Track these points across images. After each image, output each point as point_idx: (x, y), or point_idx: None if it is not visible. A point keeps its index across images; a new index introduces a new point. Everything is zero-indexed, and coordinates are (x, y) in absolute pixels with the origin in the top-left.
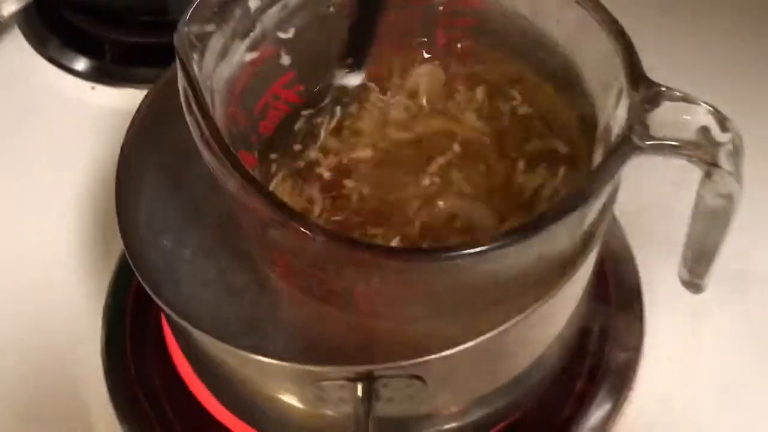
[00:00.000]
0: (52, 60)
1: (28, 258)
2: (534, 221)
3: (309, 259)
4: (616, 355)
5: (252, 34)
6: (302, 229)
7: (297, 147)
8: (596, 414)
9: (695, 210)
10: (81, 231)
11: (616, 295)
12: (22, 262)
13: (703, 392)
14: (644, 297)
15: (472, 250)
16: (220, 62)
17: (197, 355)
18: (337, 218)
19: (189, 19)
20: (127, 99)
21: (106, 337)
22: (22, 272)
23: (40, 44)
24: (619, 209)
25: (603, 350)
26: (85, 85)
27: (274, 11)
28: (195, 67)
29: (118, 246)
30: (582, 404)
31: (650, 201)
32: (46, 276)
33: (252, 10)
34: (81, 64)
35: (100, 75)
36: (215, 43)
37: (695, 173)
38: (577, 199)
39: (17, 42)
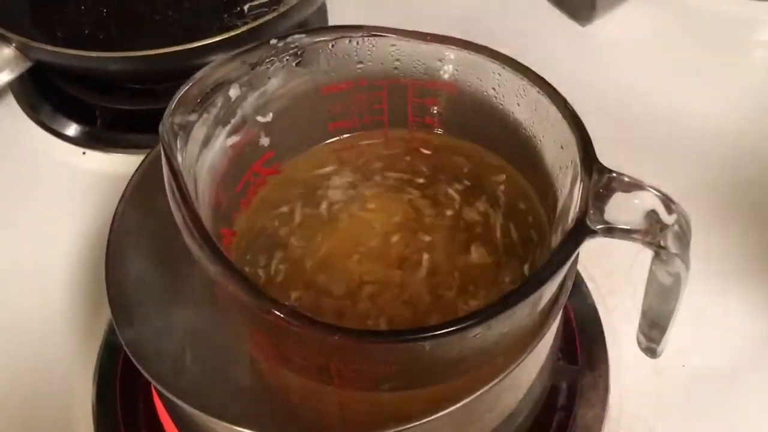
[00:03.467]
0: (44, 125)
1: (19, 322)
2: (495, 305)
3: (285, 339)
4: (583, 412)
5: (233, 121)
6: (277, 314)
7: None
8: None
9: (648, 284)
10: (71, 294)
11: (583, 354)
12: (12, 326)
13: None
14: (609, 355)
15: (435, 333)
16: (203, 149)
17: (183, 419)
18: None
19: (173, 110)
20: (117, 164)
21: (97, 400)
22: (13, 336)
23: (32, 110)
24: (586, 271)
25: (571, 407)
26: (77, 151)
27: (253, 98)
28: (179, 155)
29: (107, 308)
30: None
31: (616, 262)
32: (36, 340)
33: (233, 99)
34: (72, 129)
35: (90, 140)
36: (198, 132)
37: None
38: (536, 282)
39: (10, 108)
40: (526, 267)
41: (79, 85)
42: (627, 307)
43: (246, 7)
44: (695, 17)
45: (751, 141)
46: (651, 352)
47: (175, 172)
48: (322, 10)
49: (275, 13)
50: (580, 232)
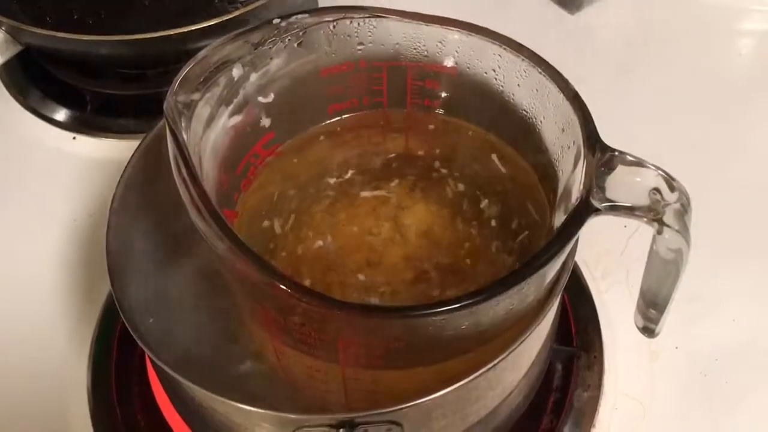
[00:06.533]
0: (33, 111)
1: (12, 306)
2: (502, 281)
3: (292, 316)
4: (579, 393)
5: (235, 100)
6: (288, 290)
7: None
8: None
9: (649, 262)
10: (63, 278)
11: (578, 337)
12: (5, 311)
13: (661, 428)
14: (604, 338)
15: (445, 308)
16: (206, 129)
17: (181, 398)
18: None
19: (176, 88)
20: (107, 149)
21: (92, 383)
22: (6, 322)
23: (21, 95)
24: (580, 255)
25: (567, 388)
26: (67, 135)
27: (255, 78)
28: (183, 133)
29: (101, 293)
30: None
31: (608, 246)
32: (30, 324)
33: (235, 79)
34: (62, 114)
35: (80, 125)
36: (202, 111)
37: None
38: (542, 259)
39: None
40: (527, 246)
41: (68, 70)
42: (620, 290)
43: None
44: (682, 5)
45: (741, 127)
46: (648, 332)
47: (181, 147)
48: None
49: None
50: (584, 209)
